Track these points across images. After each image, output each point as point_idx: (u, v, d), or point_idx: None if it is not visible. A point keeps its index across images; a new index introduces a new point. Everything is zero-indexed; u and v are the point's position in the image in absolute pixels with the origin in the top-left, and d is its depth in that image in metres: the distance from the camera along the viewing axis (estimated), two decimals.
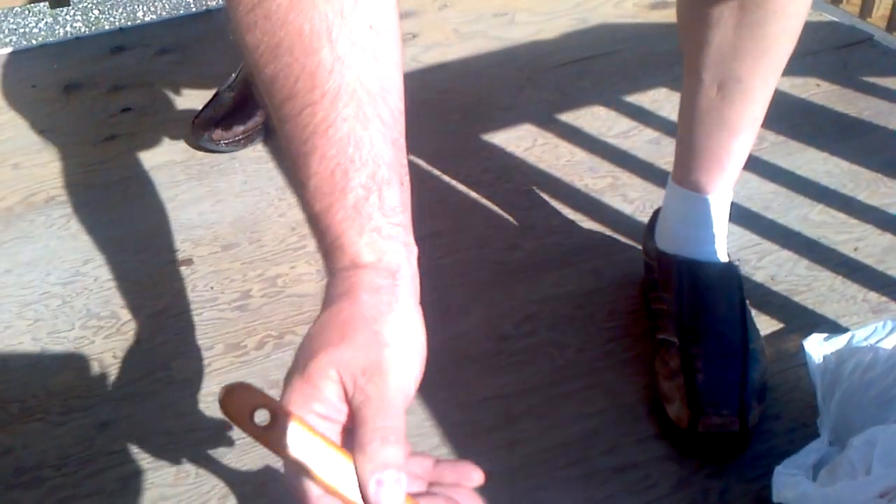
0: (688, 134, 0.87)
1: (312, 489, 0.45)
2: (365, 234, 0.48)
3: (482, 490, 0.68)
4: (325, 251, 0.50)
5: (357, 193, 0.48)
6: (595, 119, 1.33)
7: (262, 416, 0.44)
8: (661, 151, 1.25)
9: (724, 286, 0.87)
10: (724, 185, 0.88)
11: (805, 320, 0.96)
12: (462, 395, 0.90)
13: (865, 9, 1.53)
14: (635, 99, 1.37)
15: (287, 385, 0.46)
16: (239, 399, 0.44)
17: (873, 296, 0.99)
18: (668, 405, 0.83)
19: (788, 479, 0.73)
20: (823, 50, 1.45)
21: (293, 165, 0.50)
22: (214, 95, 1.33)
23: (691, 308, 0.86)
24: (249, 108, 1.30)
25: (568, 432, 0.86)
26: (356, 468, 0.43)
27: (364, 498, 0.43)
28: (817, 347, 0.86)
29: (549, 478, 0.82)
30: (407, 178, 0.51)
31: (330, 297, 0.49)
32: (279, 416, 0.44)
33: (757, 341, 0.86)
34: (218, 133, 1.29)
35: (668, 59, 1.46)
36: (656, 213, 0.97)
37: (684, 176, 0.89)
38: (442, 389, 0.91)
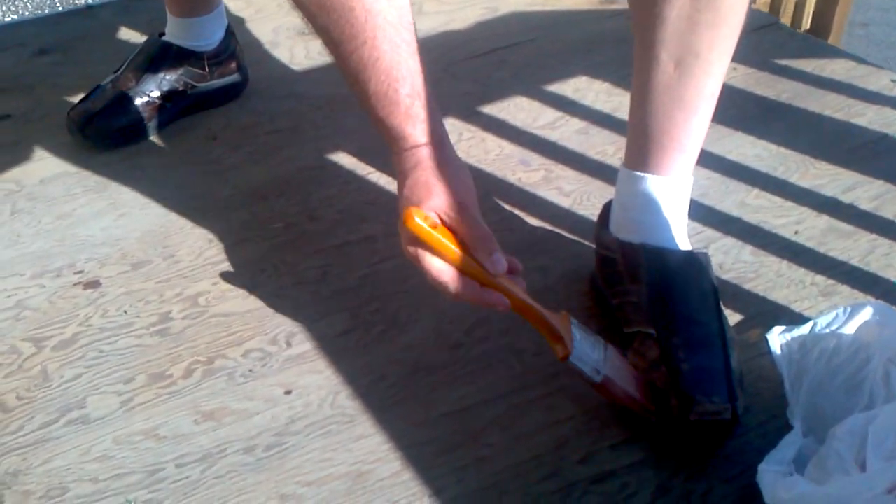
0: (643, 115, 0.83)
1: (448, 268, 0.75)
2: (417, 125, 0.77)
3: None
4: (391, 139, 0.78)
5: (405, 103, 0.76)
6: (519, 110, 1.29)
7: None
8: (590, 141, 1.22)
9: (695, 273, 0.84)
10: (683, 166, 0.85)
11: (758, 308, 0.94)
12: (419, 411, 0.83)
13: None
14: (557, 88, 1.33)
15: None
16: (415, 213, 0.74)
17: (820, 279, 0.98)
18: None
19: (780, 479, 0.70)
20: None
21: (355, 87, 0.78)
22: (94, 88, 1.22)
23: (664, 297, 0.82)
24: (128, 105, 1.19)
25: (537, 443, 0.80)
26: (480, 256, 0.76)
27: (486, 267, 0.75)
28: (780, 339, 0.83)
29: (523, 494, 0.76)
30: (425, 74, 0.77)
31: (406, 169, 0.78)
32: (437, 225, 0.76)
33: (730, 329, 0.83)
34: (91, 128, 1.18)
35: (584, 47, 1.43)
36: (607, 206, 0.93)
37: (641, 160, 0.85)
38: (396, 407, 0.84)
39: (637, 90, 0.84)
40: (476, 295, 0.75)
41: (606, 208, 0.93)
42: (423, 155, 0.77)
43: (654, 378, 0.79)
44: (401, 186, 0.78)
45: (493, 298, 0.76)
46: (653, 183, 0.85)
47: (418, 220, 0.74)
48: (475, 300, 0.76)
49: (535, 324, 0.78)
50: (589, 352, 0.77)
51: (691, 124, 0.83)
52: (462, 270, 0.75)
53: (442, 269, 0.75)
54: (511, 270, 0.77)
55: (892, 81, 1.32)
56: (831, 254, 1.01)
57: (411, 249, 0.76)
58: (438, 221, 0.76)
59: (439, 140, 0.78)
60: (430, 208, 0.75)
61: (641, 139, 0.85)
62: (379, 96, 0.76)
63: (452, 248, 0.75)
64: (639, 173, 0.86)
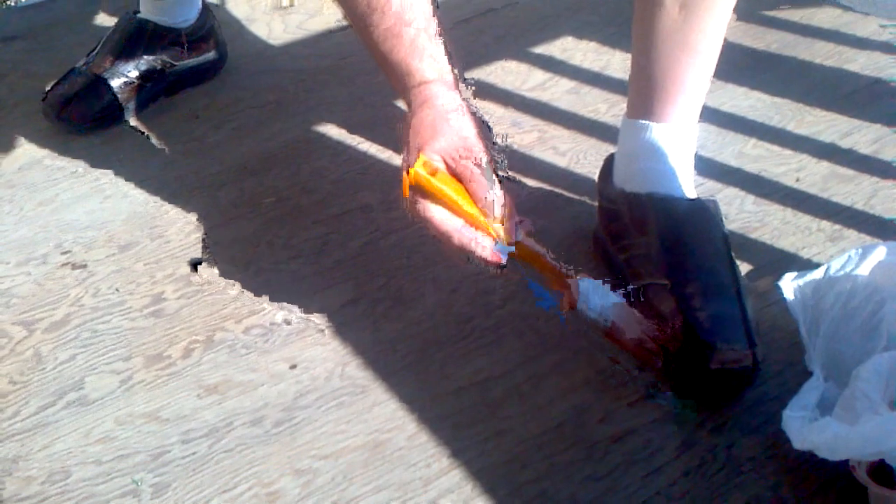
0: (647, 62, 0.81)
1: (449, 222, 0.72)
2: (424, 59, 0.72)
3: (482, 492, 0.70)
4: (397, 78, 0.74)
5: (410, 34, 0.71)
6: (507, 74, 1.26)
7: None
8: (582, 100, 1.19)
9: (705, 221, 0.82)
10: (689, 113, 0.83)
11: (766, 257, 0.92)
12: (433, 386, 0.80)
13: None
14: (544, 50, 1.31)
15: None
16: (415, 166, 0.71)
17: (826, 224, 0.96)
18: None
19: (807, 423, 0.68)
20: None
21: (357, 23, 0.74)
22: (69, 71, 1.19)
23: (676, 247, 0.80)
24: (105, 87, 1.16)
25: (556, 411, 0.77)
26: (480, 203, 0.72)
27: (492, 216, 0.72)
28: (793, 286, 0.81)
29: (547, 464, 0.73)
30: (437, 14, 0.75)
31: (412, 109, 0.72)
32: (438, 171, 0.72)
33: (742, 279, 0.81)
34: (68, 112, 1.15)
35: (568, 8, 1.41)
36: (609, 160, 0.91)
37: (645, 108, 0.83)
38: (410, 381, 0.81)
39: (639, 36, 0.81)
40: (480, 246, 0.72)
41: (608, 162, 0.91)
42: (431, 93, 0.72)
43: (670, 329, 0.77)
44: (406, 127, 0.74)
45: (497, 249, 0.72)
46: (657, 131, 0.83)
47: (417, 168, 0.70)
48: (479, 253, 0.72)
49: (541, 271, 0.76)
50: (597, 299, 0.76)
51: (696, 68, 0.80)
52: (467, 220, 0.72)
53: (444, 219, 0.71)
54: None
55: (881, 27, 1.31)
56: (835, 199, 1.00)
57: (411, 198, 0.72)
58: (443, 166, 0.72)
59: (449, 79, 0.74)
60: (435, 150, 0.71)
61: (645, 86, 0.82)
62: (383, 30, 0.72)
63: (454, 197, 0.71)
64: (643, 122, 0.84)
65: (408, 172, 0.71)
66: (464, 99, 0.74)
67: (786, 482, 0.70)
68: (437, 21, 0.74)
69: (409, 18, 0.72)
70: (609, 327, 0.76)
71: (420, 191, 0.72)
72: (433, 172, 0.71)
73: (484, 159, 0.72)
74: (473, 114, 0.74)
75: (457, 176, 0.72)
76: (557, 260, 0.77)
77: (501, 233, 0.73)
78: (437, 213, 0.72)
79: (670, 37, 0.78)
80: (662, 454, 0.73)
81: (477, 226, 0.73)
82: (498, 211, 0.72)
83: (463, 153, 0.71)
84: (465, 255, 0.73)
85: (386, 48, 0.72)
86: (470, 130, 0.72)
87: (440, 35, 0.74)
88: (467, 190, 0.72)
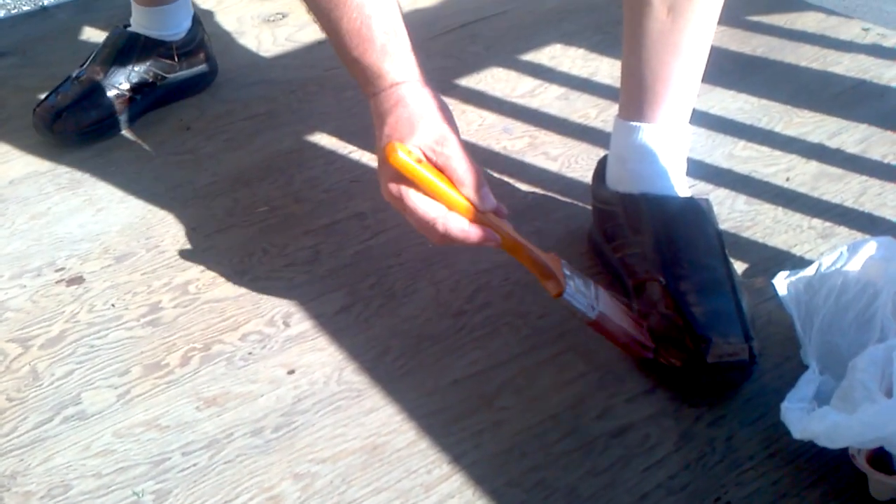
0: (637, 64, 0.82)
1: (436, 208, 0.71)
2: (395, 62, 0.73)
3: (477, 481, 0.72)
4: (367, 80, 0.74)
5: (380, 39, 0.72)
6: (496, 81, 1.27)
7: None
8: (571, 106, 1.20)
9: (698, 219, 0.83)
10: (679, 114, 0.84)
11: (759, 254, 0.93)
12: (428, 381, 0.81)
13: None
14: (532, 58, 1.32)
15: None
16: (399, 148, 0.70)
17: (817, 222, 0.97)
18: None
19: (806, 414, 0.69)
20: None
21: (327, 27, 0.74)
22: (60, 84, 1.18)
23: (670, 244, 0.81)
24: (97, 98, 1.16)
25: (552, 403, 0.78)
26: (469, 192, 0.72)
27: (475, 203, 0.73)
28: (787, 282, 0.82)
29: (544, 454, 0.74)
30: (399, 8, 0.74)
31: (385, 108, 0.73)
32: (422, 161, 0.72)
33: (736, 274, 0.82)
34: (60, 124, 1.14)
35: (556, 16, 1.42)
36: (602, 161, 0.92)
37: (636, 110, 0.84)
38: (405, 377, 0.81)
39: (629, 39, 0.82)
40: (466, 233, 0.72)
41: (602, 164, 0.92)
42: (403, 92, 0.72)
43: (666, 324, 0.77)
44: (380, 126, 0.73)
45: (485, 234, 0.72)
46: (648, 132, 0.84)
47: (402, 154, 0.69)
48: (465, 238, 0.72)
49: (525, 262, 0.76)
50: (582, 289, 0.76)
51: (685, 70, 0.81)
52: (449, 207, 0.72)
53: (430, 207, 0.71)
54: (497, 214, 0.75)
55: (864, 30, 1.33)
56: (825, 197, 1.01)
57: (394, 188, 0.71)
58: (423, 157, 0.72)
59: (418, 76, 0.74)
60: (414, 144, 0.71)
61: (635, 88, 0.83)
62: (352, 34, 0.72)
63: (439, 184, 0.71)
64: (634, 123, 0.85)
65: (387, 149, 0.70)
66: (431, 91, 0.74)
67: (785, 472, 0.71)
68: (397, 14, 0.74)
69: (371, 13, 0.72)
70: (596, 318, 0.76)
71: (403, 179, 0.71)
72: (418, 161, 0.71)
73: (462, 147, 0.72)
74: (442, 104, 0.74)
75: (436, 166, 0.72)
76: (539, 250, 0.76)
77: (485, 219, 0.74)
78: (421, 201, 0.71)
79: (659, 39, 0.79)
80: (661, 448, 0.74)
81: (461, 212, 0.72)
82: (488, 202, 0.73)
83: (442, 142, 0.72)
84: (449, 241, 0.73)
85: (358, 52, 0.72)
86: (444, 121, 0.73)
87: (405, 31, 0.74)
88: (450, 178, 0.72)
